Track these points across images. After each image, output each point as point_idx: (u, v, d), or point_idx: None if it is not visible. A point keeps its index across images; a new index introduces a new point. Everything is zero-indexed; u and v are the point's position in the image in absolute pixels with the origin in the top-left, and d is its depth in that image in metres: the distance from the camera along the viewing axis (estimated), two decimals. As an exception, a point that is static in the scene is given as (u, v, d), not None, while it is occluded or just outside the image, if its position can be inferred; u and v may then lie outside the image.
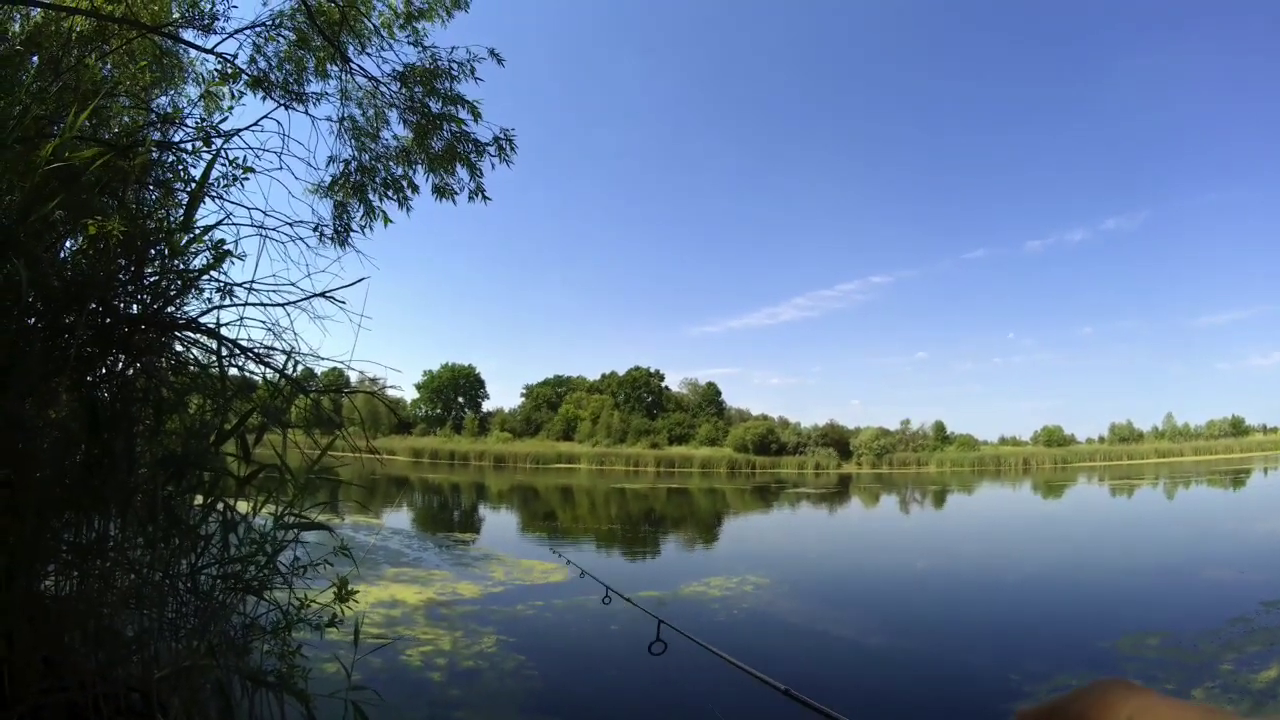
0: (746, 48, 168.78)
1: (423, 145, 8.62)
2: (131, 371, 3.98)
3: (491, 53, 8.40)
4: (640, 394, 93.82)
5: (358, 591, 4.78)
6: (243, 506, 4.29)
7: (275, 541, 4.25)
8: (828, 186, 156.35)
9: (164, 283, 4.11)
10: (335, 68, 8.29)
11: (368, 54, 8.36)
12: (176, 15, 7.10)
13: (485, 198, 8.91)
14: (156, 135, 5.36)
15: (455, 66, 8.38)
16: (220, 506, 4.14)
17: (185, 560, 3.98)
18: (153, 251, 4.09)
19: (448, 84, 8.45)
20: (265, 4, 7.65)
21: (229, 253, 4.31)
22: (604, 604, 6.12)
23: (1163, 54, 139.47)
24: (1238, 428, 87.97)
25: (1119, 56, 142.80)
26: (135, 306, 3.97)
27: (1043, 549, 21.05)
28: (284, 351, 4.53)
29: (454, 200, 8.86)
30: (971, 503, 42.43)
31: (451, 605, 11.97)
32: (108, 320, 3.71)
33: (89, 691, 3.02)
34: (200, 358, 4.39)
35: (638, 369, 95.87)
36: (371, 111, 8.68)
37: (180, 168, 5.16)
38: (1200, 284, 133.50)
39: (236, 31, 7.34)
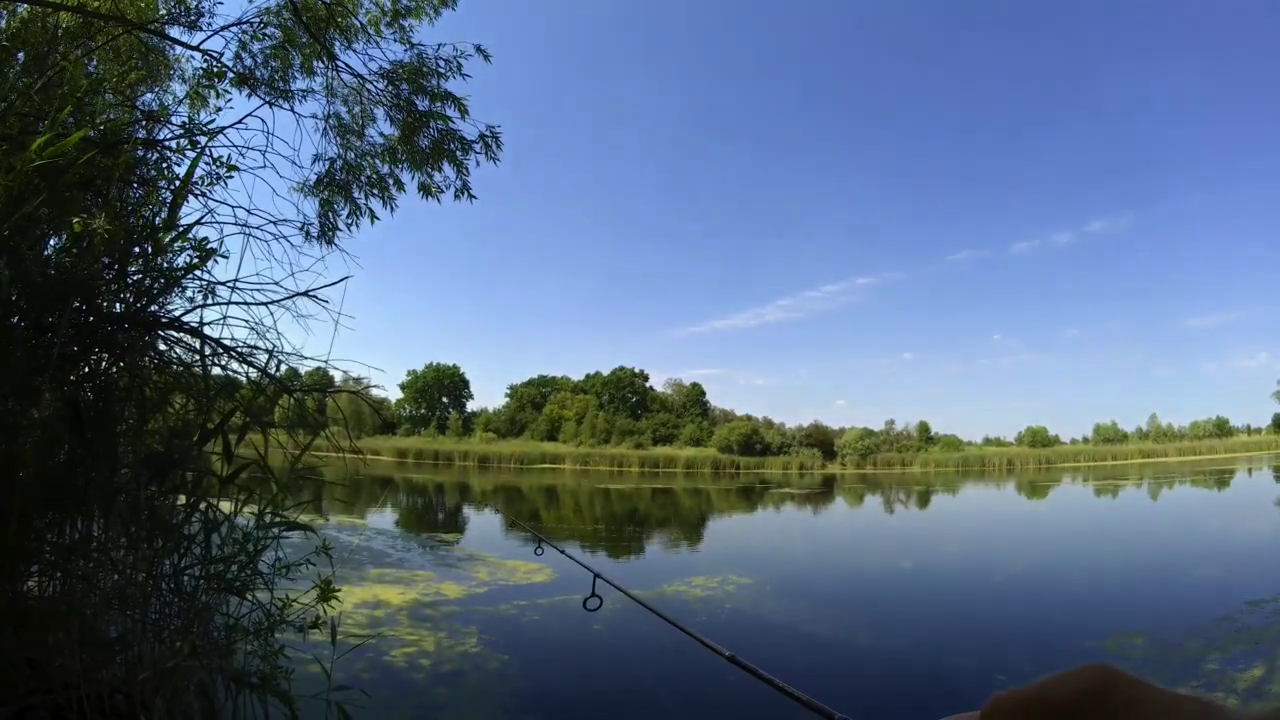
0: (739, 55, 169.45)
1: (409, 143, 8.59)
2: (115, 370, 3.95)
3: (478, 49, 8.37)
4: (625, 394, 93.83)
5: (340, 591, 4.76)
6: (225, 506, 4.27)
7: (257, 541, 4.23)
8: (813, 189, 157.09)
9: (147, 281, 4.08)
10: (321, 65, 8.25)
11: (354, 51, 8.33)
12: (162, 12, 7.06)
13: (471, 196, 8.90)
14: (141, 133, 5.33)
15: (442, 64, 8.36)
16: (203, 506, 4.11)
17: (168, 561, 3.95)
18: (136, 249, 4.06)
19: (435, 81, 8.42)
20: (251, 1, 7.62)
21: (213, 251, 4.29)
22: (536, 555, 6.20)
23: (1151, 58, 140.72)
24: (1222, 429, 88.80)
25: (1106, 60, 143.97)
26: (118, 305, 3.94)
27: (1028, 549, 21.19)
28: (267, 351, 4.51)
29: (439, 199, 8.85)
30: (956, 503, 42.60)
31: (435, 606, 11.93)
32: (91, 319, 3.68)
33: (73, 693, 3.00)
34: (183, 357, 4.37)
35: (622, 369, 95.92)
36: (358, 109, 8.64)
37: (164, 165, 5.13)
38: (1187, 286, 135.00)
39: (223, 28, 7.30)
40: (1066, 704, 0.50)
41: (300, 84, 8.18)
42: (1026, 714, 0.52)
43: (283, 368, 4.78)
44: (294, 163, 7.54)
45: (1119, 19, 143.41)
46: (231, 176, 5.04)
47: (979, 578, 16.65)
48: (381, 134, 8.77)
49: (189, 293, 4.38)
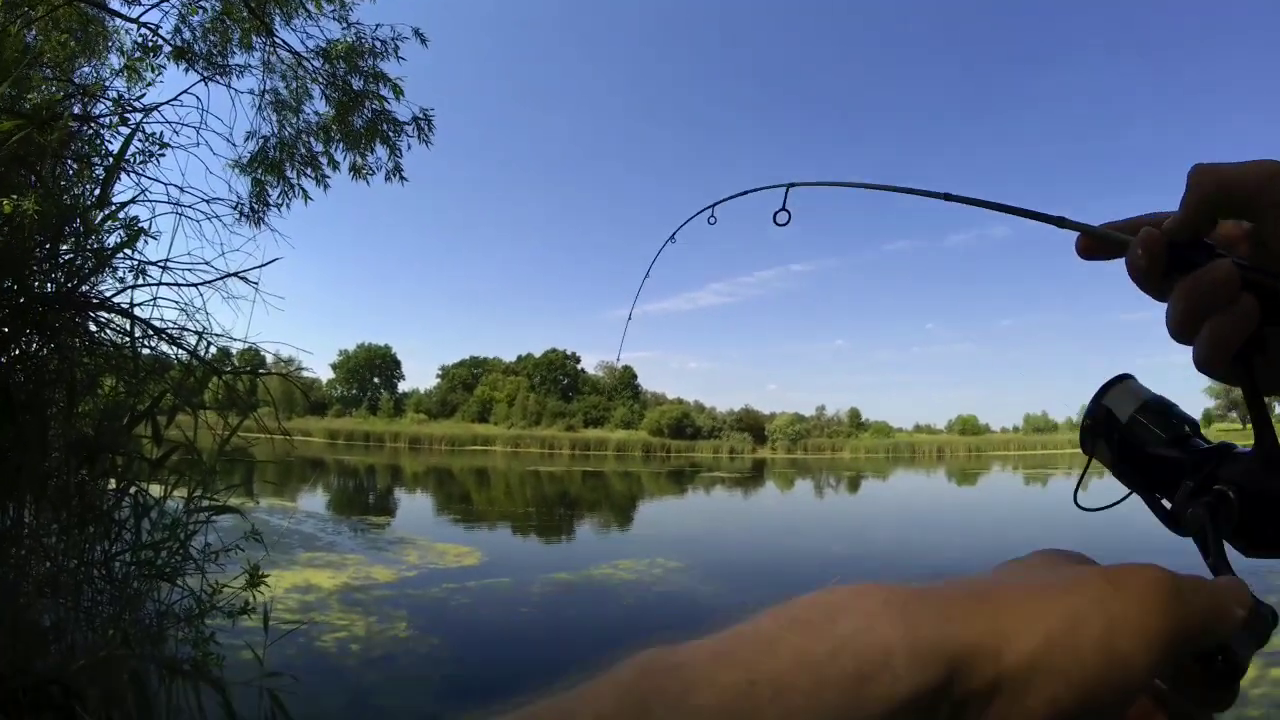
0: (678, 37, 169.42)
1: (344, 122, 8.48)
2: (46, 352, 3.86)
3: (416, 32, 8.32)
4: (556, 376, 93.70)
5: (269, 576, 4.72)
6: (155, 490, 4.21)
7: (186, 526, 4.17)
8: (751, 173, 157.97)
9: (79, 260, 4.00)
10: (260, 40, 8.09)
11: (292, 28, 8.19)
12: (104, -18, 6.86)
13: (402, 178, 8.85)
14: (78, 108, 5.19)
15: (379, 44, 8.27)
16: (133, 491, 4.05)
17: (99, 546, 3.89)
18: (67, 229, 3.97)
19: (371, 61, 8.33)
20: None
21: (143, 231, 4.22)
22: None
23: (1097, 55, 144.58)
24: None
25: (1053, 56, 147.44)
26: (50, 285, 3.85)
27: (957, 535, 21.50)
28: (196, 333, 4.46)
29: (369, 180, 8.78)
30: (886, 489, 43.52)
31: (366, 589, 11.85)
32: (22, 299, 3.60)
33: (9, 685, 2.95)
34: (113, 338, 4.29)
35: (554, 351, 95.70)
36: (295, 85, 8.50)
37: (98, 141, 5.01)
38: (1120, 283, 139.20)
39: (162, 0, 7.11)
40: (1260, 182, 0.54)
41: (238, 59, 8.04)
42: (1228, 185, 0.55)
43: (212, 349, 4.73)
44: (228, 139, 7.40)
45: (1076, 16, 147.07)
46: (164, 154, 4.95)
47: (910, 562, 16.93)
48: (317, 112, 8.65)
49: (120, 273, 4.31)
